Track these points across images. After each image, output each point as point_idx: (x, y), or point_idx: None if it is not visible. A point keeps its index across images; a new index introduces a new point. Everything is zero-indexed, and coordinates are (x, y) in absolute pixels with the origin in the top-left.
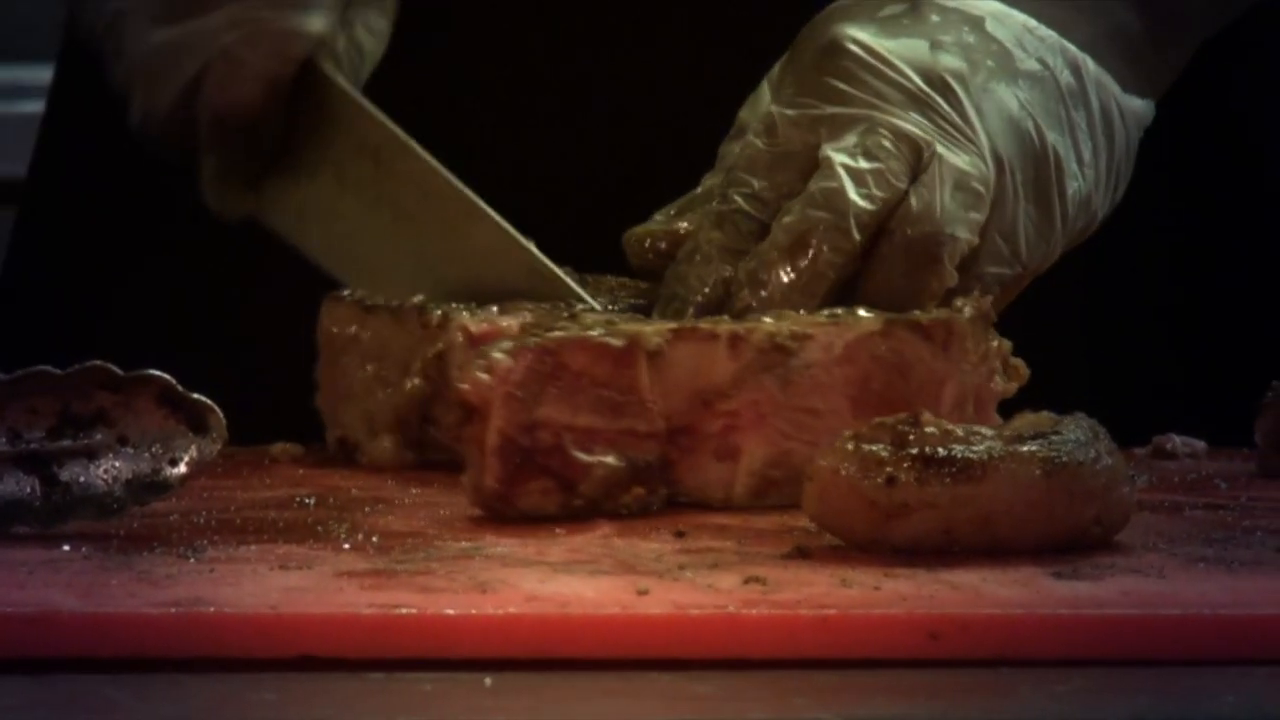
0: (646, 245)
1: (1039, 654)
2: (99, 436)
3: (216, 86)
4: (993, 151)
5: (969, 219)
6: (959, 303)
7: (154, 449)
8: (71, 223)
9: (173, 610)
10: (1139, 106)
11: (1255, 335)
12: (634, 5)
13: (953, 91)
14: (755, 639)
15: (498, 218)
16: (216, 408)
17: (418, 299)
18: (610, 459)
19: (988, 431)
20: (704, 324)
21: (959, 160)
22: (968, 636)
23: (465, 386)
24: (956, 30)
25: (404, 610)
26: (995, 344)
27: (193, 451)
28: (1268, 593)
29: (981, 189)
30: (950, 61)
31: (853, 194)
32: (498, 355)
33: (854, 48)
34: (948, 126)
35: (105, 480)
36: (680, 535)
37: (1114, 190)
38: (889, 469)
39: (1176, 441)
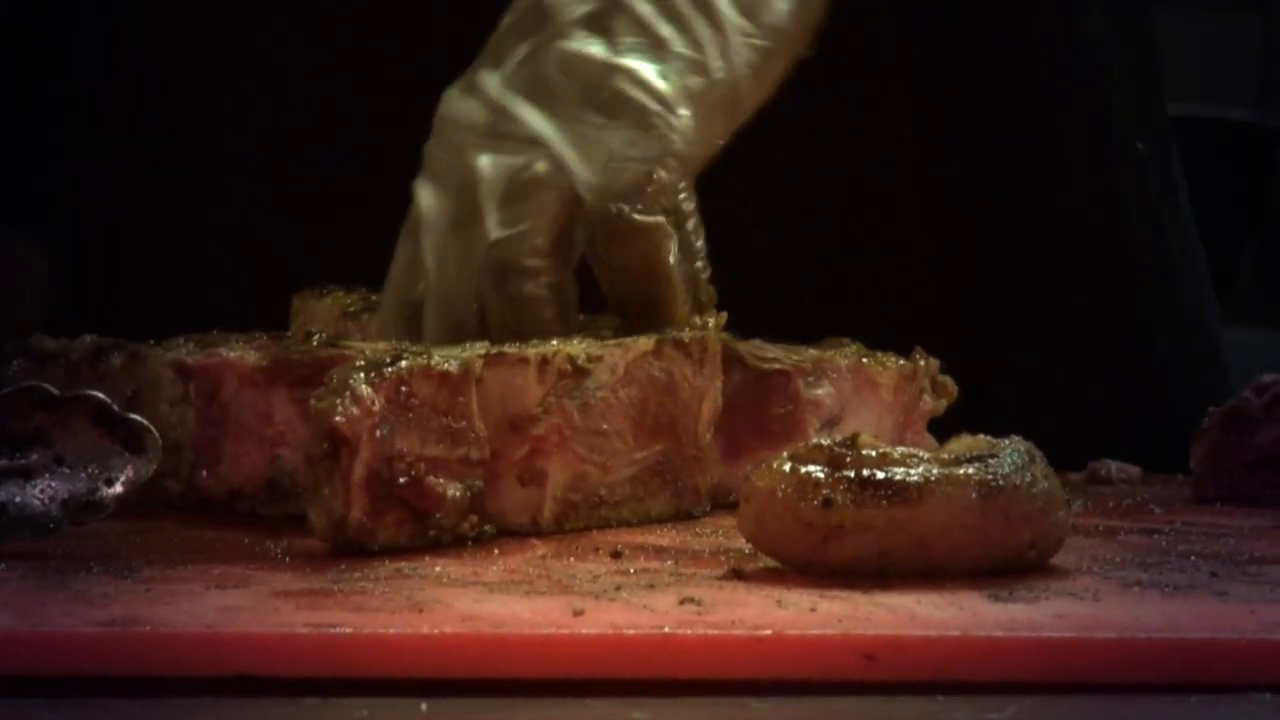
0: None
1: (974, 675)
2: (35, 456)
3: None
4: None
5: (632, 155)
6: (701, 319)
7: (90, 469)
8: None
9: (109, 629)
10: None
11: (1191, 362)
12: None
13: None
14: (691, 659)
15: None
16: (152, 427)
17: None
18: (455, 488)
19: (924, 454)
20: (513, 348)
21: (571, 143)
22: (903, 658)
23: (339, 420)
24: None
25: (340, 629)
26: (924, 362)
27: (129, 471)
28: (1201, 617)
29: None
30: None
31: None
32: (362, 387)
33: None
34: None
35: (42, 500)
36: (617, 556)
37: None
38: (825, 491)
39: (1112, 467)
